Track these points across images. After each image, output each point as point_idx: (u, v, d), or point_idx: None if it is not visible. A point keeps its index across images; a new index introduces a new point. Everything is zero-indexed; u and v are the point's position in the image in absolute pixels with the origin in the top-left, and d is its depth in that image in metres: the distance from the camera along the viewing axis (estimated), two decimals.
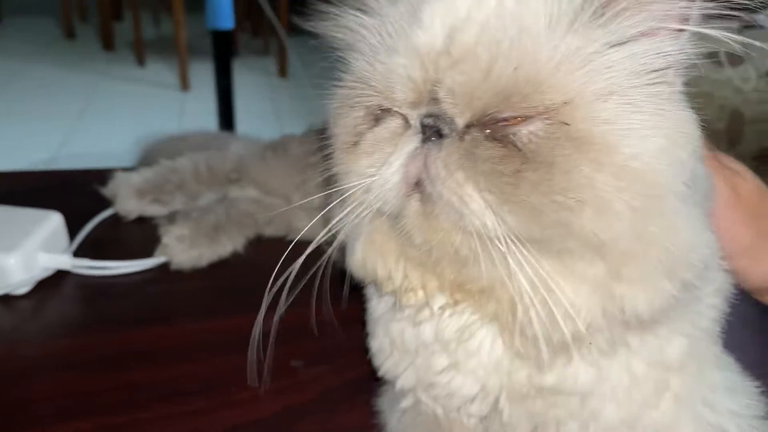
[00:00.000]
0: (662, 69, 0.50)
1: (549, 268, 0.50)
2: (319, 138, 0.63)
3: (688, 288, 0.52)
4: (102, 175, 1.15)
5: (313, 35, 0.60)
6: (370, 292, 0.69)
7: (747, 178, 0.72)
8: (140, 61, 4.52)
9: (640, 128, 0.48)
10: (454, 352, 0.60)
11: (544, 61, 0.48)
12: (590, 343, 0.54)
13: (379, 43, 0.54)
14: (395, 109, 0.53)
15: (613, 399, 0.58)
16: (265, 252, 1.07)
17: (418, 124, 0.51)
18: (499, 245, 0.49)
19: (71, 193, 1.16)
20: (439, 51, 0.50)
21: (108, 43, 4.80)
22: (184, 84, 4.09)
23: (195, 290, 0.97)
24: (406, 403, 0.68)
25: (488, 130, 0.50)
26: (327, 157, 0.61)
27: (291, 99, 4.10)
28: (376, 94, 0.54)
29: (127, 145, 2.82)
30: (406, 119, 0.53)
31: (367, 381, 0.76)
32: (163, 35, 5.02)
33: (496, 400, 0.60)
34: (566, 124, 0.48)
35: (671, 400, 0.60)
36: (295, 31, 0.65)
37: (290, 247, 0.64)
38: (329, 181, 0.63)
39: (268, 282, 1.00)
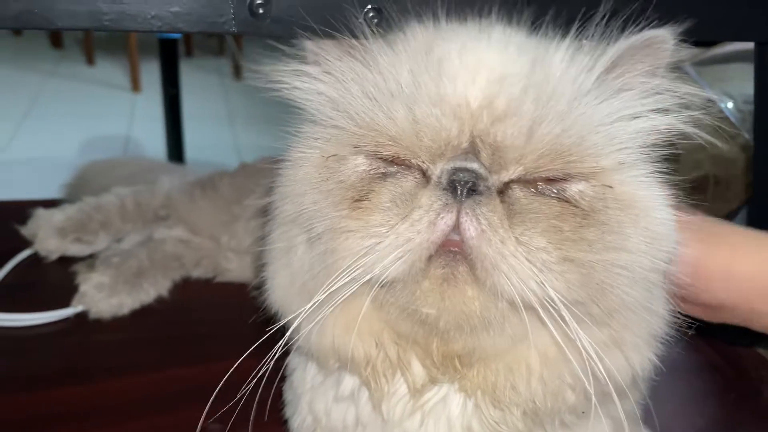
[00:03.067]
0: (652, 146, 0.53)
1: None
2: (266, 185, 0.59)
3: (652, 363, 0.55)
4: (21, 209, 1.09)
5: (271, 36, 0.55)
6: (294, 363, 0.66)
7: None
8: (89, 60, 4.39)
9: (659, 197, 0.52)
10: (393, 430, 0.57)
11: (587, 126, 0.49)
12: (583, 412, 0.54)
13: (387, 91, 0.50)
14: (414, 160, 0.49)
15: None
16: (192, 296, 1.04)
17: (444, 180, 0.47)
18: (538, 309, 0.46)
19: None
20: (480, 104, 0.48)
21: (56, 41, 4.65)
22: (135, 85, 3.98)
23: (116, 342, 0.93)
24: None
25: (532, 188, 0.49)
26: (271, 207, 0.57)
27: (245, 101, 4.03)
28: (391, 143, 0.50)
29: (74, 149, 2.74)
30: (423, 173, 0.49)
31: None
32: (114, 33, 4.88)
33: None
34: (609, 186, 0.49)
35: None
36: None
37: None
38: (267, 229, 0.60)
39: (194, 330, 0.98)
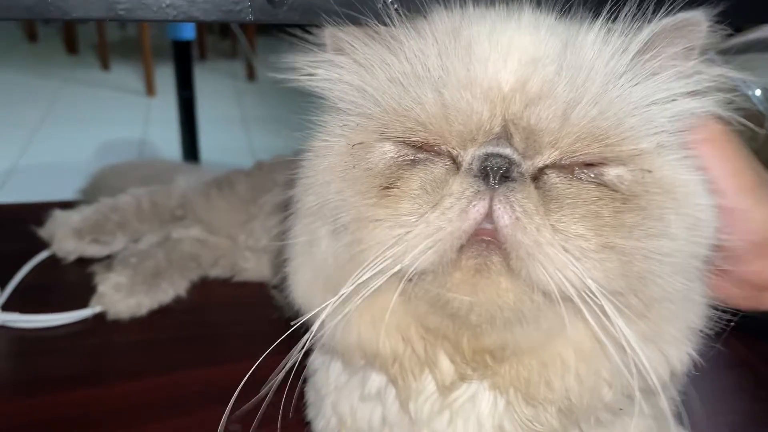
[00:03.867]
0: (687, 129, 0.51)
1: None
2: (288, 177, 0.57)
3: (691, 358, 0.53)
4: (38, 211, 1.09)
5: (285, 35, 0.54)
6: (317, 362, 0.65)
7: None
8: (104, 65, 4.42)
9: (700, 182, 0.50)
10: (421, 430, 0.55)
11: (624, 108, 0.47)
12: (620, 409, 0.52)
13: (413, 76, 0.49)
14: (444, 146, 0.48)
15: None
16: (210, 295, 1.03)
17: (475, 166, 0.45)
18: (577, 301, 0.44)
19: (5, 232, 1.11)
20: (512, 87, 0.47)
21: (71, 46, 4.69)
22: (150, 89, 4.00)
23: (134, 343, 0.92)
24: None
25: (569, 173, 0.47)
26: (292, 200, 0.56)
27: (259, 103, 4.03)
28: (420, 128, 0.48)
29: (90, 153, 2.76)
30: (454, 160, 0.48)
31: None
32: (128, 38, 4.92)
33: None
34: (649, 171, 0.47)
35: None
36: (264, 32, 0.59)
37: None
38: (287, 224, 0.58)
39: (212, 330, 0.97)
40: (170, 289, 0.98)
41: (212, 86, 4.03)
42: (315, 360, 0.64)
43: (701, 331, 0.53)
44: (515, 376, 0.51)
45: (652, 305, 0.48)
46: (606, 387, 0.51)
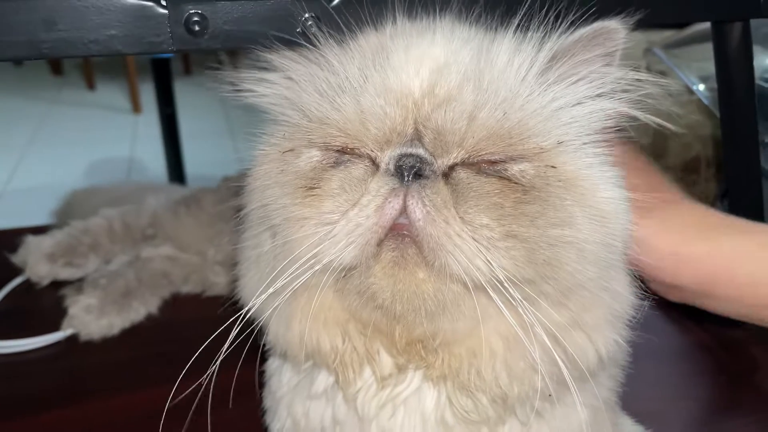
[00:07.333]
0: (604, 129, 0.54)
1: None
2: (237, 186, 0.60)
3: (618, 345, 0.55)
4: (13, 238, 1.11)
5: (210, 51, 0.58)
6: (272, 367, 0.67)
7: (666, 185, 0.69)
8: (90, 85, 4.44)
9: (608, 177, 0.53)
10: (369, 426, 0.57)
11: (529, 110, 0.50)
12: (549, 395, 0.54)
13: (337, 87, 0.52)
14: (363, 149, 0.51)
15: None
16: (181, 311, 1.05)
17: (392, 166, 0.49)
18: (488, 289, 0.47)
19: None
20: (423, 92, 0.50)
21: (56, 68, 4.70)
22: (136, 106, 4.02)
23: (108, 362, 0.93)
24: None
25: (477, 170, 0.50)
26: (244, 207, 0.59)
27: (245, 115, 4.03)
28: (340, 133, 0.51)
29: (79, 173, 2.76)
30: (373, 161, 0.51)
31: None
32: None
33: None
34: (553, 167, 0.50)
35: None
36: None
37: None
38: (240, 235, 0.61)
39: (185, 346, 0.98)
40: (141, 308, 1.00)
41: (198, 100, 4.04)
42: (270, 366, 0.67)
43: (628, 319, 0.55)
44: (447, 366, 0.54)
45: (568, 293, 0.51)
46: (535, 374, 0.52)
